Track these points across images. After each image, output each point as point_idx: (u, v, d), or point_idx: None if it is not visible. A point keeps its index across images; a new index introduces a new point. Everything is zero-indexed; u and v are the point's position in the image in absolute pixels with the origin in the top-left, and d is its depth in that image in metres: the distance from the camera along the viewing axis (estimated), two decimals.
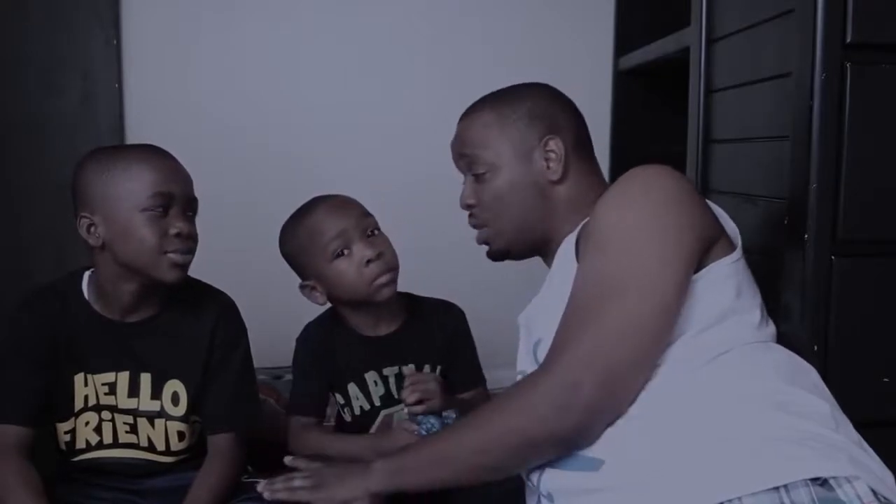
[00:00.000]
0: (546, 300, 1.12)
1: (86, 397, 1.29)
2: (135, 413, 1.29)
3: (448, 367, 1.44)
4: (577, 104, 1.24)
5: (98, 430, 1.30)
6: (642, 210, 1.00)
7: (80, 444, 1.30)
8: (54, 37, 2.03)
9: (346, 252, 1.35)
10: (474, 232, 1.25)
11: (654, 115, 2.16)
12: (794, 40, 1.17)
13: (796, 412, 0.91)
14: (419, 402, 1.31)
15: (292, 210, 1.44)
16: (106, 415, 1.30)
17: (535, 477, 1.02)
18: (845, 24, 1.11)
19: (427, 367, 1.42)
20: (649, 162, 1.06)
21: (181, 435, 1.31)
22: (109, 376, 1.28)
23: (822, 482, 0.82)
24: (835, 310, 1.15)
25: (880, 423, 1.06)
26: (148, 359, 1.29)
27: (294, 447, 1.38)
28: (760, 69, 1.31)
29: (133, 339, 1.29)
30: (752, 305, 1.04)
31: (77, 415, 1.29)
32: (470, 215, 1.24)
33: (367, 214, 1.39)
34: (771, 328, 1.06)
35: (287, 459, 1.19)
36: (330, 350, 1.42)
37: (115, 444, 1.30)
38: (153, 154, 1.26)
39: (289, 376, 1.50)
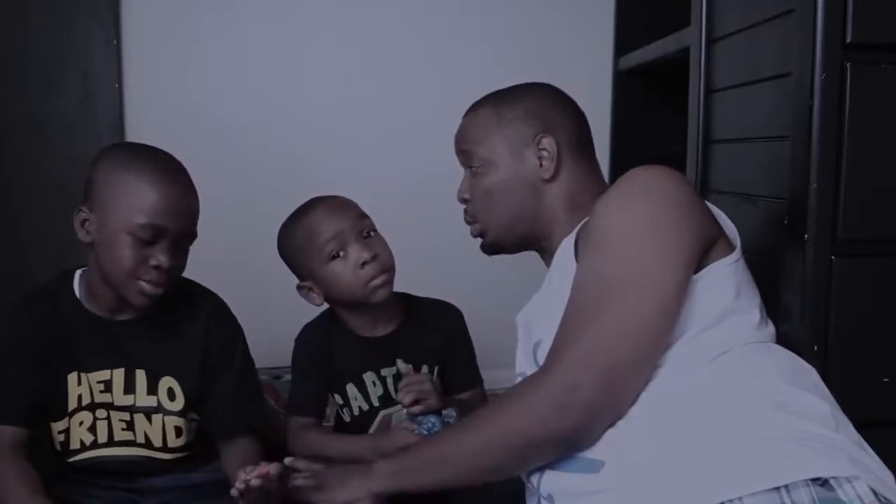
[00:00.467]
0: (545, 300, 1.12)
1: (79, 396, 1.29)
2: (131, 409, 1.29)
3: (445, 367, 1.44)
4: (578, 104, 1.24)
5: (92, 429, 1.30)
6: (642, 211, 1.00)
7: (75, 445, 1.30)
8: (54, 37, 2.03)
9: (341, 254, 1.35)
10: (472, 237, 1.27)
11: (654, 115, 2.16)
12: (794, 40, 1.17)
13: (796, 412, 0.91)
14: (416, 402, 1.31)
15: (292, 210, 1.44)
16: (101, 413, 1.29)
17: (535, 478, 1.02)
18: (845, 24, 1.11)
19: (424, 368, 1.42)
20: (649, 162, 1.06)
21: (178, 431, 1.30)
22: (104, 374, 1.28)
23: (822, 482, 0.82)
24: (835, 310, 1.15)
25: (880, 423, 1.06)
26: (140, 357, 1.29)
27: (293, 447, 1.38)
28: (760, 69, 1.31)
29: (124, 337, 1.29)
30: (751, 306, 1.04)
31: (71, 414, 1.29)
32: (465, 209, 1.26)
33: (364, 216, 1.40)
34: (770, 328, 1.06)
35: (287, 460, 1.19)
36: (328, 351, 1.42)
37: (111, 442, 1.30)
38: (165, 180, 1.21)
39: (288, 376, 1.50)
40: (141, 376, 1.29)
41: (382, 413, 1.41)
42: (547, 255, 1.19)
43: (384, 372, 1.41)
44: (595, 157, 1.25)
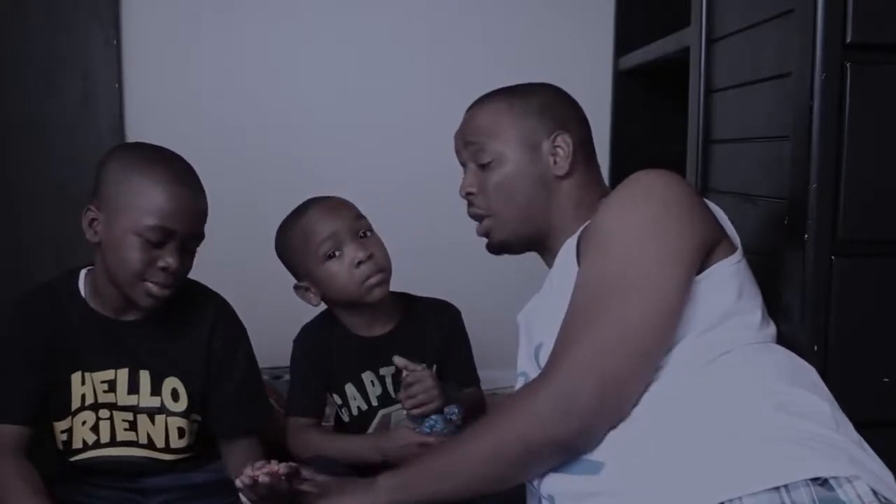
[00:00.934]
0: (546, 302, 1.12)
1: (83, 396, 1.29)
2: (135, 409, 1.29)
3: (443, 366, 1.44)
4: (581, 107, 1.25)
5: (95, 429, 1.30)
6: (644, 214, 1.00)
7: (77, 444, 1.30)
8: (54, 37, 2.03)
9: (337, 253, 1.35)
10: (474, 232, 1.25)
11: (654, 115, 2.16)
12: (794, 40, 1.17)
13: (797, 412, 0.91)
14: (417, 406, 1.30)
15: (291, 210, 1.44)
16: (104, 413, 1.30)
17: (535, 479, 1.02)
18: (845, 24, 1.11)
19: (423, 366, 1.42)
20: (650, 163, 1.06)
21: (181, 431, 1.31)
22: (108, 374, 1.29)
23: (822, 482, 0.82)
24: (835, 310, 1.15)
25: (880, 423, 1.06)
26: (144, 357, 1.29)
27: (293, 448, 1.38)
28: (760, 69, 1.31)
29: (129, 337, 1.29)
30: (753, 306, 1.04)
31: (74, 414, 1.29)
32: (470, 205, 1.23)
33: (360, 216, 1.40)
34: (771, 328, 1.06)
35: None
36: (326, 351, 1.42)
37: (113, 442, 1.30)
38: (174, 181, 1.21)
39: (288, 376, 1.51)
40: (145, 377, 1.29)
41: (381, 412, 1.41)
42: (549, 255, 1.19)
43: (382, 371, 1.41)
44: (597, 160, 1.25)
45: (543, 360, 1.04)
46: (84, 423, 1.30)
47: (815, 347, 1.14)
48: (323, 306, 1.44)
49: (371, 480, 1.09)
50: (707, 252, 1.01)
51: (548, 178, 1.17)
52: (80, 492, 1.31)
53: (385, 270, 1.37)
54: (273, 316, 1.58)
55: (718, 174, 1.49)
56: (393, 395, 1.40)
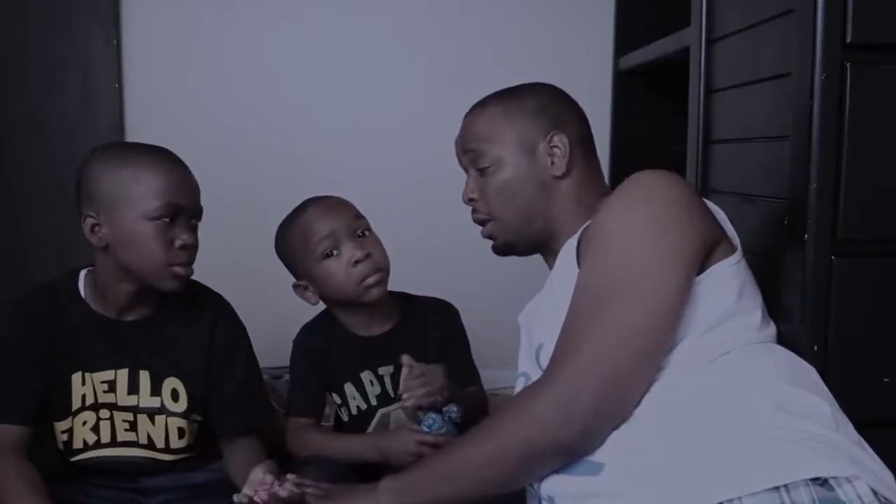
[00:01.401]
0: (546, 302, 1.12)
1: (83, 396, 1.29)
2: (135, 410, 1.29)
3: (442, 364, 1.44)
4: (579, 105, 1.24)
5: (96, 429, 1.30)
6: (643, 215, 1.00)
7: (78, 444, 1.30)
8: (54, 37, 2.03)
9: (335, 252, 1.35)
10: (474, 232, 1.25)
11: (654, 115, 2.16)
12: (794, 40, 1.17)
13: (797, 412, 0.91)
14: (419, 407, 1.29)
15: (291, 210, 1.44)
16: (104, 413, 1.30)
17: (535, 481, 1.02)
18: (845, 24, 1.11)
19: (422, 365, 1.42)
20: (650, 163, 1.06)
21: (181, 432, 1.31)
22: (108, 374, 1.29)
23: (822, 482, 0.82)
24: (835, 310, 1.15)
25: (880, 423, 1.06)
26: (145, 357, 1.29)
27: (292, 448, 1.38)
28: (760, 69, 1.31)
29: (129, 338, 1.29)
30: (753, 306, 1.04)
31: (74, 414, 1.29)
32: (473, 210, 1.24)
33: (359, 216, 1.40)
34: (771, 329, 1.06)
35: (291, 477, 1.16)
36: (326, 350, 1.42)
37: (114, 442, 1.30)
38: (164, 161, 1.24)
39: (288, 376, 1.51)
40: (145, 377, 1.29)
41: (381, 412, 1.41)
42: (550, 256, 1.19)
43: (381, 371, 1.41)
44: (597, 157, 1.25)
45: (544, 361, 1.04)
46: (84, 423, 1.30)
47: (815, 347, 1.14)
48: (322, 306, 1.44)
49: (373, 484, 1.08)
50: (707, 252, 1.01)
51: (546, 179, 1.18)
52: (81, 492, 1.31)
53: (383, 270, 1.38)
54: (273, 316, 1.58)
55: (718, 174, 1.49)
56: (392, 394, 1.40)
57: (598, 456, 0.94)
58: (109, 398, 1.29)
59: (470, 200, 1.23)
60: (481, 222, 1.24)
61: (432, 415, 1.29)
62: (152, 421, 1.30)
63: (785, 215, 1.20)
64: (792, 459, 0.84)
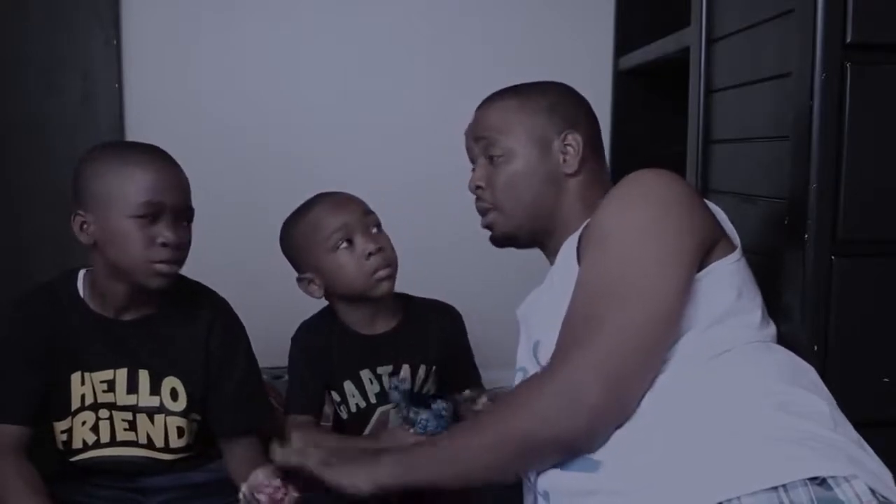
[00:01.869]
0: (545, 298, 1.13)
1: (83, 396, 1.29)
2: (134, 409, 1.29)
3: (444, 369, 1.44)
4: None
5: (95, 429, 1.30)
6: (643, 214, 1.00)
7: (77, 444, 1.30)
8: (54, 37, 2.03)
9: (347, 244, 1.35)
10: (474, 232, 1.26)
11: (654, 115, 2.16)
12: (794, 40, 1.17)
13: (796, 412, 0.91)
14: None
15: (292, 209, 1.44)
16: (103, 413, 1.30)
17: (532, 475, 1.02)
18: (845, 24, 1.11)
19: (422, 368, 1.42)
20: (650, 163, 1.06)
21: (180, 431, 1.31)
22: (108, 373, 1.29)
23: (820, 482, 0.82)
24: (835, 310, 1.15)
25: (880, 423, 1.06)
26: (144, 357, 1.29)
27: None
28: (760, 69, 1.31)
29: (128, 337, 1.29)
30: (753, 306, 1.04)
31: (74, 414, 1.29)
32: (477, 199, 1.24)
33: (370, 212, 1.41)
34: (771, 329, 1.06)
35: (295, 439, 1.20)
36: (325, 348, 1.42)
37: (113, 442, 1.30)
38: (150, 159, 1.24)
39: (287, 376, 1.51)
40: (144, 376, 1.29)
41: (380, 410, 1.41)
42: (552, 252, 1.19)
43: (380, 370, 1.41)
44: (605, 159, 1.26)
45: (542, 357, 1.04)
46: (84, 423, 1.30)
47: (815, 347, 1.14)
48: (322, 304, 1.44)
49: (376, 456, 1.09)
50: (706, 250, 1.01)
51: (557, 175, 1.18)
52: (80, 492, 1.31)
53: (393, 265, 1.38)
54: (272, 316, 1.58)
55: (718, 174, 1.49)
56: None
57: (597, 454, 0.94)
58: (109, 398, 1.29)
59: (477, 188, 1.24)
60: (484, 211, 1.24)
61: (424, 415, 1.29)
62: (151, 420, 1.30)
63: (785, 215, 1.20)
64: (791, 459, 0.84)
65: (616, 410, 0.94)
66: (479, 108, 1.26)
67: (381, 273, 1.35)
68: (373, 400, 1.41)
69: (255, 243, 2.03)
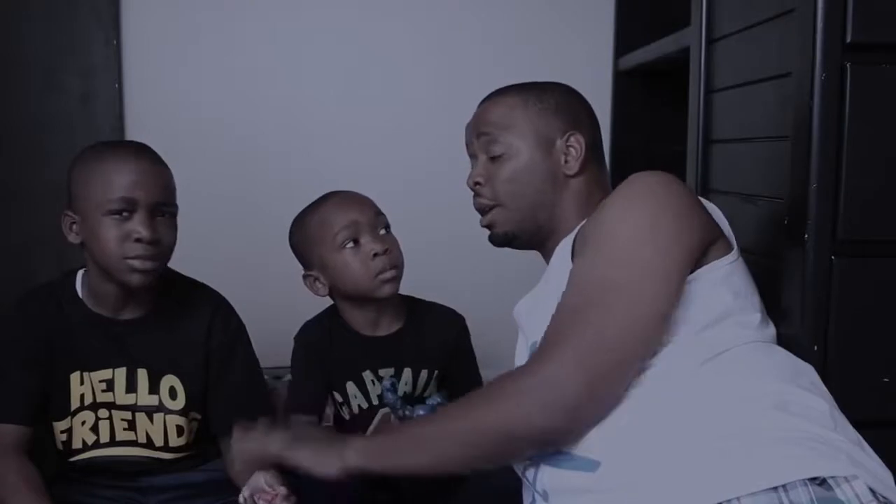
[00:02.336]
0: (540, 299, 1.13)
1: (82, 396, 1.29)
2: (133, 408, 1.30)
3: (447, 373, 1.44)
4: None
5: (95, 429, 1.30)
6: (638, 216, 1.00)
7: (77, 444, 1.30)
8: (54, 37, 2.03)
9: (354, 243, 1.35)
10: (474, 232, 1.25)
11: (654, 115, 2.16)
12: (794, 40, 1.17)
13: (796, 412, 0.91)
14: None
15: (292, 209, 1.44)
16: (103, 413, 1.30)
17: (530, 474, 1.02)
18: (845, 24, 1.11)
19: (424, 372, 1.42)
20: (650, 163, 1.06)
21: (179, 430, 1.31)
22: (106, 373, 1.29)
23: (820, 482, 0.82)
24: (835, 310, 1.15)
25: (880, 423, 1.06)
26: (142, 356, 1.30)
27: None
28: (760, 69, 1.31)
29: (127, 336, 1.29)
30: (750, 306, 1.04)
31: (73, 414, 1.30)
32: (476, 195, 1.24)
33: (379, 213, 1.41)
34: (771, 329, 1.06)
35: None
36: (328, 348, 1.42)
37: (113, 442, 1.30)
38: (127, 156, 1.25)
39: (289, 376, 1.51)
40: (143, 375, 1.29)
41: (382, 411, 1.41)
42: (549, 252, 1.19)
43: (382, 372, 1.41)
44: (604, 161, 1.26)
45: None
46: (83, 423, 1.30)
47: (815, 347, 1.14)
48: (326, 302, 1.44)
49: (343, 439, 1.08)
50: (701, 252, 1.01)
51: (558, 175, 1.18)
52: (80, 492, 1.31)
53: (398, 268, 1.38)
54: (273, 316, 1.58)
55: (718, 174, 1.49)
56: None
57: (595, 453, 0.94)
58: (108, 397, 1.29)
59: (476, 185, 1.23)
60: (483, 209, 1.23)
61: (421, 411, 1.29)
62: (151, 419, 1.30)
63: (785, 215, 1.20)
64: (790, 459, 0.84)
65: (594, 407, 0.94)
66: (483, 103, 1.26)
67: (386, 275, 1.35)
68: (375, 401, 1.41)
69: (254, 243, 2.03)
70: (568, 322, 0.97)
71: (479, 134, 1.23)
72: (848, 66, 1.12)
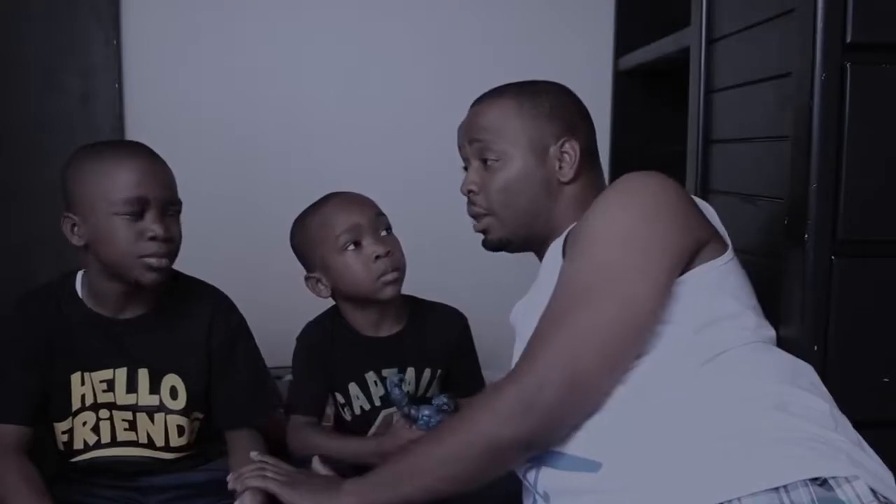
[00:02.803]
0: (533, 302, 1.12)
1: (83, 396, 1.29)
2: (134, 409, 1.30)
3: (449, 373, 1.44)
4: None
5: (96, 429, 1.30)
6: (628, 218, 1.00)
7: (78, 445, 1.30)
8: (54, 37, 2.03)
9: (356, 246, 1.35)
10: (473, 233, 1.25)
11: (654, 115, 2.16)
12: (794, 40, 1.17)
13: (796, 412, 0.91)
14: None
15: (292, 209, 1.44)
16: (104, 413, 1.30)
17: (531, 476, 1.02)
18: (845, 24, 1.11)
19: (427, 372, 1.42)
20: (650, 163, 1.06)
21: (181, 429, 1.31)
22: (107, 373, 1.29)
23: (821, 482, 0.82)
24: (835, 310, 1.15)
25: (880, 423, 1.06)
26: (144, 355, 1.29)
27: (293, 447, 1.38)
28: (760, 69, 1.31)
29: (128, 336, 1.29)
30: (746, 307, 1.04)
31: (74, 414, 1.30)
32: (470, 202, 1.23)
33: (381, 214, 1.40)
34: (769, 330, 1.06)
35: (254, 454, 1.19)
36: (329, 349, 1.42)
37: (114, 442, 1.30)
38: (131, 155, 1.24)
39: (289, 376, 1.51)
40: (143, 375, 1.29)
41: (384, 412, 1.41)
42: (542, 255, 1.19)
43: (385, 373, 1.41)
44: (600, 165, 1.25)
45: None
46: (85, 423, 1.30)
47: (815, 347, 1.14)
48: (327, 303, 1.44)
49: (338, 481, 1.09)
50: (693, 253, 1.01)
51: (552, 182, 1.17)
52: (80, 492, 1.31)
53: (400, 269, 1.38)
54: (273, 316, 1.58)
55: (718, 174, 1.49)
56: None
57: (596, 454, 0.94)
58: (108, 398, 1.29)
59: (469, 192, 1.22)
60: (477, 216, 1.23)
61: (426, 410, 1.28)
62: (151, 419, 1.30)
63: (785, 215, 1.20)
64: (791, 459, 0.84)
65: (574, 408, 0.95)
66: (475, 105, 1.23)
67: (388, 277, 1.35)
68: (377, 402, 1.41)
69: (255, 243, 2.04)
70: (550, 327, 0.97)
71: (471, 140, 1.21)
72: (848, 66, 1.12)
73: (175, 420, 1.30)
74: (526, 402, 0.93)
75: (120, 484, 1.32)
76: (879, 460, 0.91)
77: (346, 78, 2.17)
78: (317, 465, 1.18)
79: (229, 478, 1.15)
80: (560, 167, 1.17)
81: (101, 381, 1.29)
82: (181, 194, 1.29)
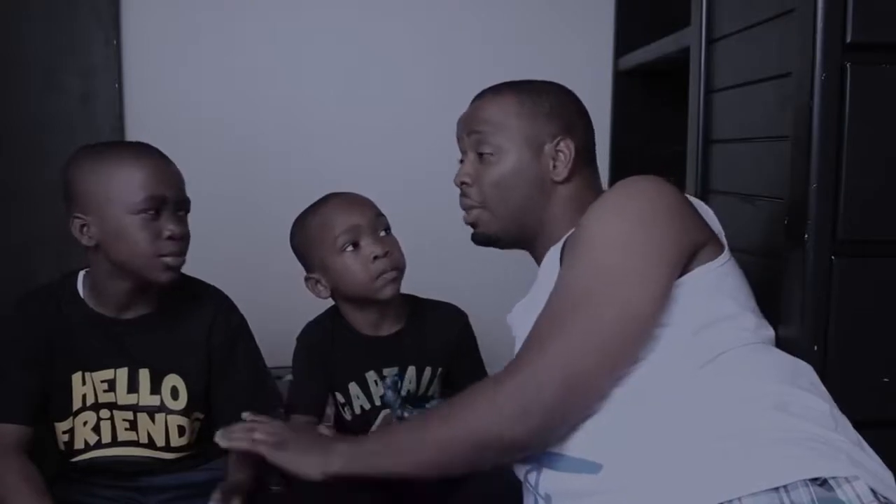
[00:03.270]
0: (531, 305, 1.12)
1: (84, 396, 1.29)
2: (135, 409, 1.30)
3: (451, 371, 1.44)
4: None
5: (97, 429, 1.30)
6: (625, 222, 1.00)
7: (79, 445, 1.30)
8: (54, 37, 2.03)
9: (354, 246, 1.35)
10: (465, 224, 1.25)
11: (654, 115, 2.16)
12: (794, 40, 1.17)
13: (796, 413, 0.91)
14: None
15: (292, 209, 1.44)
16: (104, 413, 1.30)
17: (532, 478, 1.02)
18: (845, 24, 1.11)
19: (427, 370, 1.42)
20: (650, 163, 1.06)
21: (181, 430, 1.31)
22: (108, 373, 1.29)
23: (821, 482, 0.82)
24: (835, 310, 1.15)
25: (880, 423, 1.06)
26: (145, 355, 1.30)
27: None
28: (760, 69, 1.31)
29: (128, 336, 1.29)
30: (744, 308, 1.04)
31: (75, 414, 1.30)
32: (463, 194, 1.24)
33: (380, 214, 1.41)
34: (767, 331, 1.06)
35: (245, 414, 1.17)
36: (330, 349, 1.42)
37: (115, 442, 1.30)
38: (144, 154, 1.25)
39: (289, 376, 1.51)
40: (144, 375, 1.29)
41: (384, 412, 1.41)
42: (538, 257, 1.20)
43: (385, 372, 1.41)
44: (597, 166, 1.25)
45: None
46: (85, 423, 1.30)
47: (815, 347, 1.14)
48: (327, 302, 1.44)
49: (329, 441, 1.09)
50: (691, 256, 1.01)
51: (545, 181, 1.18)
52: (81, 492, 1.31)
53: (399, 269, 1.38)
54: (273, 316, 1.58)
55: (718, 174, 1.49)
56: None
57: (597, 455, 0.94)
58: (109, 398, 1.29)
59: (462, 184, 1.23)
60: (468, 208, 1.23)
61: (416, 411, 1.29)
62: (152, 419, 1.30)
63: (785, 215, 1.20)
64: (791, 459, 0.84)
65: (570, 411, 0.95)
66: (477, 99, 1.24)
67: (387, 276, 1.35)
68: (377, 402, 1.41)
69: (255, 243, 2.03)
70: (547, 326, 0.97)
71: (470, 131, 1.22)
72: (848, 66, 1.12)
73: (176, 420, 1.30)
74: (524, 405, 0.93)
75: (120, 484, 1.32)
76: (879, 460, 0.91)
77: (346, 78, 2.17)
78: (323, 430, 1.17)
79: (217, 434, 1.13)
80: (554, 166, 1.17)
81: (101, 381, 1.29)
82: None
